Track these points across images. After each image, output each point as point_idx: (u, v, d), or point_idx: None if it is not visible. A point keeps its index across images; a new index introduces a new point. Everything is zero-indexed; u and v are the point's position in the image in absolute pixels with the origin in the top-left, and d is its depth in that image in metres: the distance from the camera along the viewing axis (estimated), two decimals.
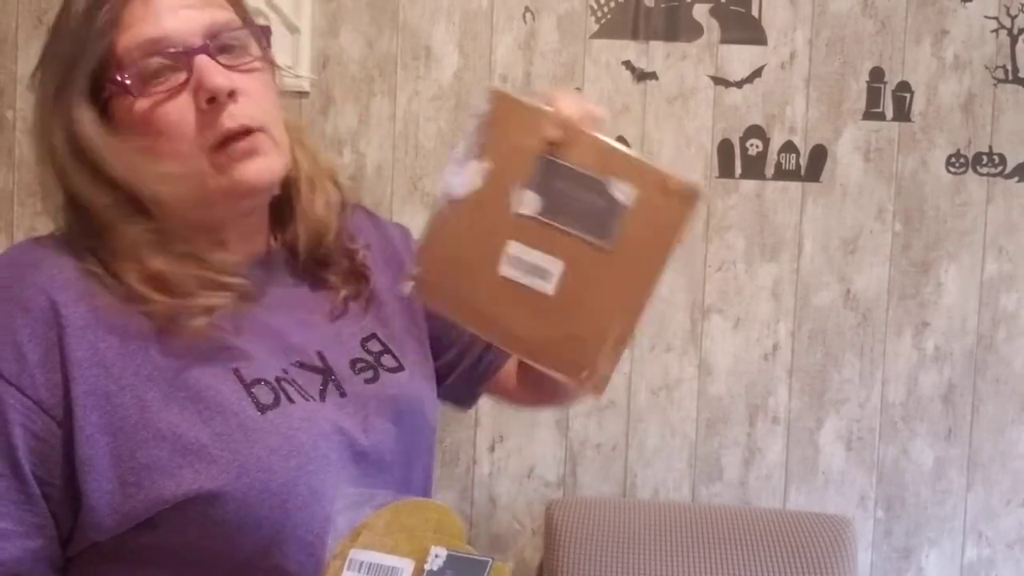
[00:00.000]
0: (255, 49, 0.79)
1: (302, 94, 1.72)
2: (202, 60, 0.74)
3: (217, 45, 0.75)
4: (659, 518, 1.63)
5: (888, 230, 1.75)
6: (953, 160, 1.74)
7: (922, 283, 1.75)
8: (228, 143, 0.75)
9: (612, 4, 1.73)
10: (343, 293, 0.86)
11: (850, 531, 1.61)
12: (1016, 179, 1.74)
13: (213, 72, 0.74)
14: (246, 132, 0.75)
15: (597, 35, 1.73)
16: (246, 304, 0.78)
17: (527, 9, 1.73)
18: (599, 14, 1.73)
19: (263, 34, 0.83)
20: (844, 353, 1.76)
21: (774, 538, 1.59)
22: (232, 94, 0.74)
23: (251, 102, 0.76)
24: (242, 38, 0.78)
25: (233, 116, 0.75)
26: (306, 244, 0.85)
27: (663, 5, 1.73)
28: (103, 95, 0.75)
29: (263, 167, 0.76)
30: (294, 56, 1.71)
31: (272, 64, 0.83)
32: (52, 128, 0.75)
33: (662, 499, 1.77)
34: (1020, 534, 1.77)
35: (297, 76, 1.70)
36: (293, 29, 1.70)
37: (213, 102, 0.74)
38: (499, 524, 1.78)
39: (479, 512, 1.78)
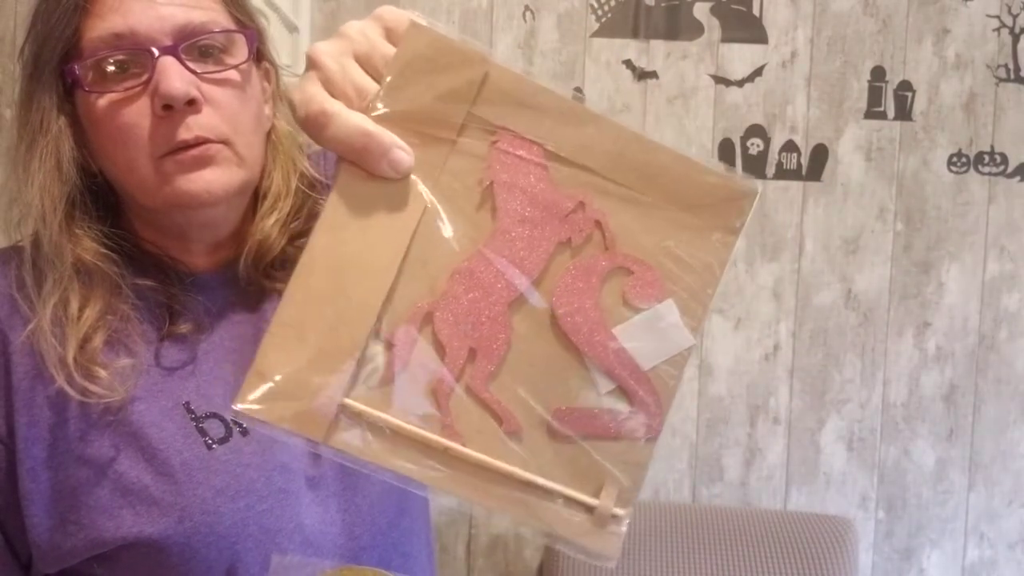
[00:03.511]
0: (239, 56, 0.71)
1: None
2: (165, 62, 0.66)
3: (191, 47, 0.68)
4: (659, 519, 1.63)
5: (889, 230, 1.74)
6: (955, 159, 1.73)
7: (923, 283, 1.75)
8: (179, 151, 0.67)
9: (612, 3, 1.72)
10: None
11: (851, 532, 1.61)
12: (1018, 179, 1.73)
13: (173, 76, 0.66)
14: (202, 144, 0.68)
15: (597, 34, 1.73)
16: (203, 332, 0.74)
17: (527, 8, 1.72)
18: (599, 13, 1.72)
19: (260, 39, 0.75)
20: (845, 353, 1.75)
21: (775, 539, 1.58)
22: (193, 103, 0.67)
23: (217, 114, 0.68)
24: (224, 42, 0.70)
25: (190, 127, 0.67)
26: (248, 260, 0.75)
27: (663, 4, 1.72)
28: (67, 84, 0.69)
29: (212, 178, 0.68)
30: (293, 55, 1.70)
31: (266, 72, 0.77)
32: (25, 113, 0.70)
33: (662, 500, 1.77)
34: (1022, 535, 1.76)
35: (296, 75, 1.69)
36: (292, 28, 1.70)
37: (170, 109, 0.66)
38: (499, 525, 1.77)
39: (479, 514, 1.77)
